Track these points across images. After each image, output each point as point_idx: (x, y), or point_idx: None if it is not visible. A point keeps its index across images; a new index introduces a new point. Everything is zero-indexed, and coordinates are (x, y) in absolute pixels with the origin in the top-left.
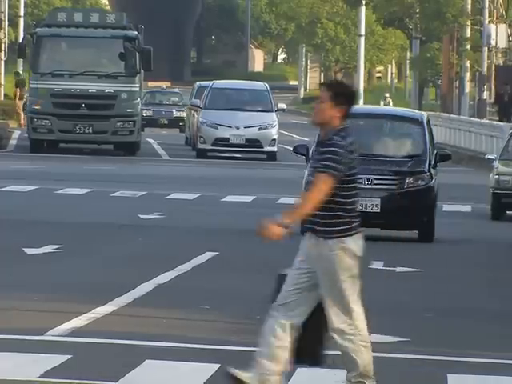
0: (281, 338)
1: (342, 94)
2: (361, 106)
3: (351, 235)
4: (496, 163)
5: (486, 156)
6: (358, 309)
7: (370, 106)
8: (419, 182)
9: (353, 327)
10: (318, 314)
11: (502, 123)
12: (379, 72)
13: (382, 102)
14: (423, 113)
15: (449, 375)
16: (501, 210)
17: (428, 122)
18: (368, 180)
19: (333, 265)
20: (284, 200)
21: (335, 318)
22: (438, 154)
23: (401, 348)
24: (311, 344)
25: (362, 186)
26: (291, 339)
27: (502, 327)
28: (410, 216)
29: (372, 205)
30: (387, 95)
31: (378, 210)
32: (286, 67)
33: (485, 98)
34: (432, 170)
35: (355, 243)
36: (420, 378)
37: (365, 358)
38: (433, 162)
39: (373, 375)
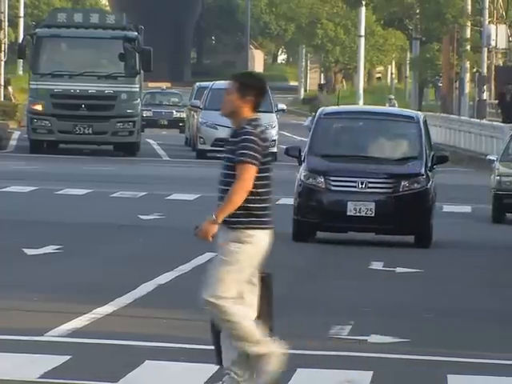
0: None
1: (249, 85)
2: (354, 105)
3: (261, 229)
4: (497, 164)
5: (488, 157)
6: (234, 294)
7: (364, 106)
8: (415, 185)
9: (223, 306)
10: None
11: (502, 124)
12: (379, 73)
13: (387, 104)
14: (419, 112)
15: (449, 376)
16: (502, 211)
17: (425, 122)
18: (362, 183)
19: (235, 253)
20: (284, 201)
21: (209, 288)
22: (434, 156)
23: (401, 348)
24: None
25: (356, 190)
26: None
27: (501, 328)
28: (406, 220)
29: (366, 209)
30: (392, 97)
31: (373, 215)
32: (286, 68)
33: (485, 98)
34: (429, 173)
35: (263, 238)
36: (420, 379)
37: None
38: (429, 164)
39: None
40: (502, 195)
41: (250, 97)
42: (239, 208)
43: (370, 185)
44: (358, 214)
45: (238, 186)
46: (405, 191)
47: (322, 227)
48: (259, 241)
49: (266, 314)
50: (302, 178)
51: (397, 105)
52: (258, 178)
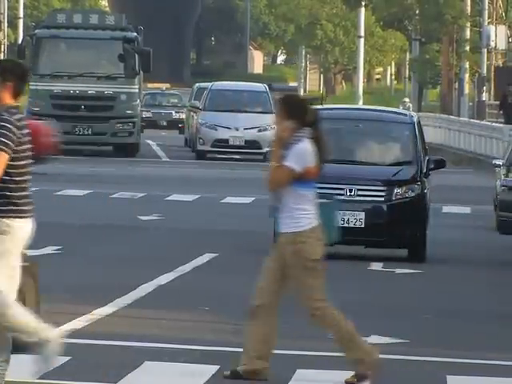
0: None
1: (9, 70)
2: (340, 105)
3: (20, 217)
4: (503, 169)
5: (494, 161)
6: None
7: (352, 105)
8: (409, 192)
9: None
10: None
11: (501, 125)
12: (379, 73)
13: (400, 107)
14: (413, 113)
15: (448, 376)
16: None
17: (419, 123)
18: (350, 190)
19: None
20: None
21: None
22: (430, 160)
23: (400, 349)
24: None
25: (344, 198)
26: None
27: (501, 328)
28: (399, 232)
29: (355, 219)
30: (407, 100)
31: (362, 226)
32: (286, 68)
33: (484, 99)
34: (424, 179)
35: (23, 226)
36: (419, 380)
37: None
38: (424, 170)
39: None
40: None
41: (10, 83)
42: None
43: (359, 192)
44: (346, 225)
45: None
46: (398, 199)
47: None
48: (18, 230)
49: (33, 302)
50: None
51: (412, 108)
52: (13, 167)
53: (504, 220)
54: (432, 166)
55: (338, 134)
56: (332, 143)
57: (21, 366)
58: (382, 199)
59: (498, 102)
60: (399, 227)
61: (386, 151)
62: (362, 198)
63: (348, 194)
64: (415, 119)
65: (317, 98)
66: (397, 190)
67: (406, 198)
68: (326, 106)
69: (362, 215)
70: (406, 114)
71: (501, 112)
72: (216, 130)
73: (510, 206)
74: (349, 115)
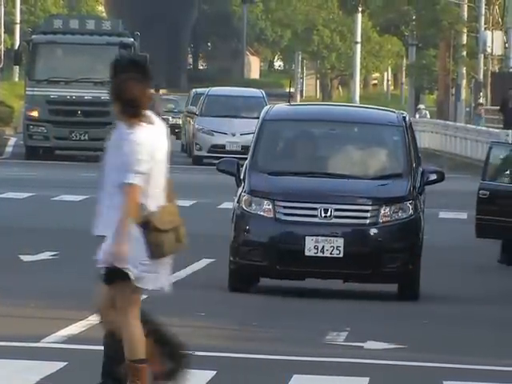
0: None
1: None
2: (312, 103)
3: None
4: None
5: None
6: None
7: (326, 104)
8: (399, 213)
9: None
10: None
11: (497, 130)
12: (375, 79)
13: (417, 116)
14: (403, 112)
15: (445, 382)
16: None
17: (410, 126)
18: (325, 211)
19: None
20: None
21: None
22: (425, 173)
23: (397, 354)
24: None
25: (317, 220)
26: None
27: (498, 334)
28: (387, 263)
29: (331, 247)
30: (422, 106)
31: (340, 255)
32: (282, 74)
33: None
34: (417, 196)
35: None
36: None
37: None
38: (418, 185)
39: None
40: None
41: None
42: None
43: (337, 213)
44: (321, 255)
45: None
46: (385, 222)
47: (269, 273)
48: None
49: None
50: (243, 204)
51: (429, 115)
52: None
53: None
54: (428, 180)
55: (309, 140)
56: (302, 151)
57: (17, 372)
58: (366, 222)
59: (494, 107)
60: (387, 257)
61: (370, 161)
62: (340, 221)
63: (322, 215)
64: (407, 120)
65: (284, 94)
66: (384, 211)
67: (396, 220)
68: (293, 104)
69: (341, 242)
70: (394, 114)
71: (500, 117)
72: (213, 135)
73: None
74: (322, 115)
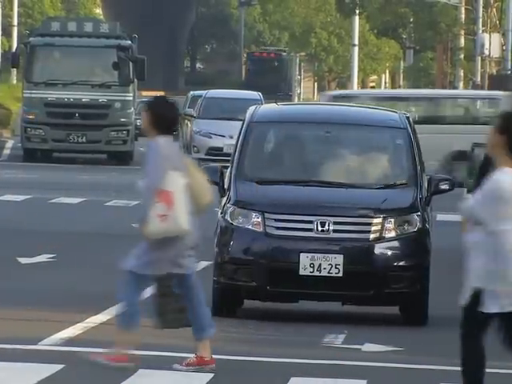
0: None
1: None
2: (303, 103)
3: None
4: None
5: None
6: None
7: (321, 104)
8: (405, 226)
9: None
10: None
11: None
12: (373, 81)
13: None
14: (406, 113)
15: None
16: None
17: (414, 129)
18: (322, 224)
19: None
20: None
21: None
22: (433, 180)
23: (394, 357)
24: None
25: (313, 235)
26: None
27: (495, 336)
28: (391, 283)
29: (330, 265)
30: None
31: (340, 274)
32: None
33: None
34: (424, 207)
35: None
36: None
37: None
38: (425, 194)
39: None
40: None
41: None
42: None
43: (336, 227)
44: (317, 274)
45: None
46: (390, 237)
47: (259, 294)
48: None
49: None
50: (228, 216)
51: None
52: None
53: None
54: (436, 189)
55: (302, 144)
56: (293, 157)
57: (14, 374)
58: (368, 236)
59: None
60: (392, 277)
61: (371, 168)
62: (339, 235)
63: (319, 228)
64: (410, 121)
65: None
66: (388, 224)
67: (402, 234)
68: (282, 104)
69: (340, 259)
70: (396, 115)
71: None
72: (210, 138)
73: None
74: (315, 116)
